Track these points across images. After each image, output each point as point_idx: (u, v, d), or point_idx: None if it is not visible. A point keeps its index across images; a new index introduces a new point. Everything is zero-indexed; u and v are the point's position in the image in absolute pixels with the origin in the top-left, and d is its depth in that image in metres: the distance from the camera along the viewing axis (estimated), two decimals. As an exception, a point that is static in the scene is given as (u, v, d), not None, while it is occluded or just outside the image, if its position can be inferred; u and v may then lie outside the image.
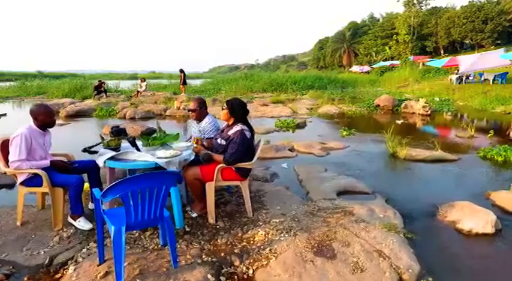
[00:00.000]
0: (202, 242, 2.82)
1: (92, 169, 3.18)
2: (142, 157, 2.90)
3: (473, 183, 4.55)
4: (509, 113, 11.24)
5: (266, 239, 2.82)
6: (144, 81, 18.72)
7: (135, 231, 2.94)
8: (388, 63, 36.53)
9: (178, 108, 12.10)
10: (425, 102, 11.56)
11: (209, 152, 3.13)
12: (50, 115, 2.98)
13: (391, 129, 6.33)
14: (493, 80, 18.10)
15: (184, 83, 18.21)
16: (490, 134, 7.33)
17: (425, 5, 47.00)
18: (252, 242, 2.82)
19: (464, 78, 20.03)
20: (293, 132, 8.58)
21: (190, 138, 3.68)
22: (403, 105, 12.23)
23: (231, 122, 3.19)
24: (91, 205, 3.32)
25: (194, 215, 3.27)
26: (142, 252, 2.64)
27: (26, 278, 2.40)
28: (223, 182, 3.20)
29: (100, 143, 3.06)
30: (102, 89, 16.77)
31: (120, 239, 2.17)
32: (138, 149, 3.04)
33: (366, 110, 12.49)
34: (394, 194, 4.05)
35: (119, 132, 3.02)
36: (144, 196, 2.16)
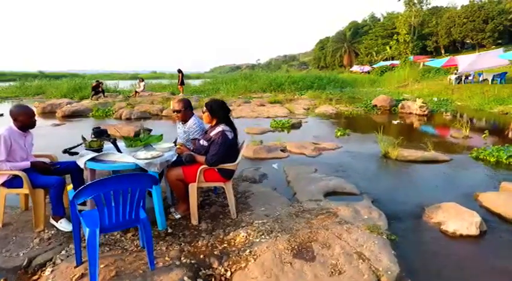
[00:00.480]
0: (183, 244, 2.81)
1: (74, 170, 3.17)
2: (123, 158, 2.89)
3: (463, 184, 4.52)
4: (506, 114, 11.19)
5: (247, 241, 2.81)
6: (143, 81, 18.73)
7: (116, 232, 2.93)
8: (388, 63, 36.44)
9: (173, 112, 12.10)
10: (422, 103, 11.51)
11: (191, 153, 3.12)
12: (30, 116, 2.97)
13: (384, 129, 6.30)
14: (492, 80, 18.03)
15: (182, 83, 18.20)
16: (484, 135, 7.29)
17: (426, 4, 46.90)
18: (233, 244, 2.81)
19: (463, 78, 19.96)
20: (288, 132, 8.56)
21: (176, 140, 3.65)
22: (400, 105, 12.19)
23: (213, 123, 3.18)
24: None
25: (178, 216, 3.25)
26: (121, 254, 2.63)
27: (2, 280, 2.39)
28: (206, 184, 3.18)
29: (81, 144, 3.05)
30: (100, 89, 16.78)
31: (94, 241, 2.16)
32: (119, 151, 3.02)
33: (363, 110, 12.46)
34: (381, 195, 4.02)
35: (100, 134, 3.00)
36: (117, 197, 2.14)
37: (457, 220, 3.16)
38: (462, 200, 3.68)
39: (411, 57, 34.09)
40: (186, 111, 3.51)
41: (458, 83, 19.77)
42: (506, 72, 18.37)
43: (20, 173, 2.83)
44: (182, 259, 2.58)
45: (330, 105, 13.62)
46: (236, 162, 3.13)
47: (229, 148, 3.06)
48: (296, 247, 2.68)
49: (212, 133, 3.08)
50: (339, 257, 2.54)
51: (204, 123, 3.63)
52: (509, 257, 2.75)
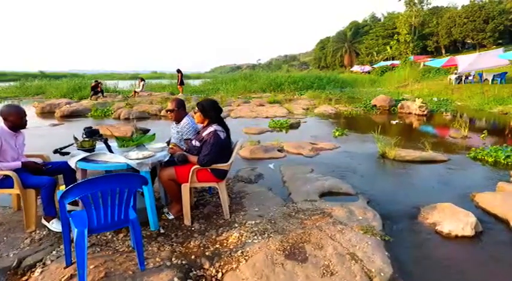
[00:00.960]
0: (175, 245, 2.78)
1: (67, 170, 3.14)
2: (114, 158, 2.86)
3: (460, 184, 4.49)
4: (506, 114, 11.14)
5: (239, 242, 2.78)
6: (143, 81, 18.72)
7: (108, 233, 2.91)
8: (388, 63, 36.39)
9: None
10: (421, 103, 11.48)
11: (184, 153, 3.09)
12: (20, 116, 2.94)
13: (383, 129, 6.27)
14: (492, 80, 17.97)
15: (182, 83, 18.18)
16: (483, 135, 7.25)
17: (427, 4, 46.83)
18: (225, 244, 2.78)
19: (463, 78, 19.90)
20: (286, 132, 8.53)
21: (169, 140, 3.63)
22: (399, 105, 12.15)
23: (205, 123, 3.15)
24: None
25: (171, 217, 3.23)
26: (112, 254, 2.60)
27: (-9, 281, 2.37)
28: (199, 184, 3.16)
29: (72, 144, 3.03)
30: (99, 89, 16.77)
31: (83, 242, 2.14)
32: (111, 150, 3.00)
33: (363, 110, 12.43)
34: (377, 195, 3.99)
35: (91, 134, 2.98)
36: (105, 198, 2.12)
37: (453, 220, 3.13)
38: (459, 201, 3.66)
39: (411, 57, 34.03)
40: (179, 111, 3.49)
41: (459, 83, 19.72)
42: (506, 72, 18.31)
43: (11, 173, 2.81)
44: (173, 259, 2.56)
45: (329, 105, 13.59)
46: (229, 162, 3.11)
47: (221, 148, 3.04)
48: (288, 247, 2.66)
49: (204, 133, 3.06)
50: (332, 258, 2.52)
51: (197, 124, 3.61)
52: (504, 258, 2.72)
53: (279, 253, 2.58)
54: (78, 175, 3.05)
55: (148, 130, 7.70)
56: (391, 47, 42.10)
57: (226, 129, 3.15)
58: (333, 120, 10.62)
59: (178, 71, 17.89)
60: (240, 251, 2.64)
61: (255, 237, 2.83)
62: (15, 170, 2.88)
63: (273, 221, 3.13)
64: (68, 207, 3.17)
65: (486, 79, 18.68)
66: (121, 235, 2.90)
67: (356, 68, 46.09)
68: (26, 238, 2.86)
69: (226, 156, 3.12)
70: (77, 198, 2.03)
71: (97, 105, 13.46)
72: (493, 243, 2.93)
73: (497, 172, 5.00)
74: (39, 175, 2.99)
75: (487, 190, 4.08)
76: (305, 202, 3.68)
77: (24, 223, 2.97)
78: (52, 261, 2.54)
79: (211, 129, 3.02)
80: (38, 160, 3.24)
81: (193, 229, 3.06)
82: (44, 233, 2.94)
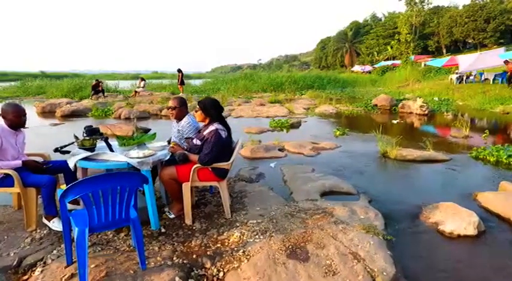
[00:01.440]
0: (176, 244, 2.77)
1: (67, 169, 3.12)
2: (115, 157, 2.85)
3: (462, 184, 4.47)
4: (507, 113, 11.11)
5: (241, 241, 2.77)
6: (143, 80, 18.72)
7: (109, 232, 2.90)
8: (389, 62, 36.34)
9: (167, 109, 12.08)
10: (423, 102, 11.45)
11: (185, 151, 3.08)
12: (18, 115, 2.92)
13: (384, 129, 6.25)
14: (494, 79, 17.93)
15: (182, 83, 18.17)
16: (485, 134, 7.23)
17: (428, 4, 46.77)
18: (226, 243, 2.77)
19: (464, 78, 19.87)
20: (287, 132, 8.52)
21: (170, 139, 3.62)
22: (400, 105, 12.13)
23: (206, 122, 3.14)
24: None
25: (172, 216, 3.22)
26: (113, 254, 2.59)
27: (-8, 280, 2.36)
28: (200, 183, 3.15)
29: (73, 142, 3.01)
30: (100, 88, 16.76)
31: (83, 241, 2.13)
32: (112, 149, 2.99)
33: (364, 110, 12.40)
34: (379, 194, 3.98)
35: (92, 132, 2.96)
36: (106, 196, 2.11)
37: (455, 220, 3.12)
38: (461, 200, 3.64)
39: (412, 57, 33.97)
40: (180, 109, 3.47)
41: (460, 82, 19.68)
42: (507, 72, 18.25)
43: (11, 172, 2.80)
44: (174, 259, 2.55)
45: (330, 105, 13.57)
46: (230, 161, 3.09)
47: (222, 147, 3.02)
48: (290, 247, 2.64)
49: (205, 132, 3.04)
50: (334, 257, 2.50)
51: (198, 123, 3.59)
52: (507, 257, 2.70)
53: (281, 252, 2.57)
54: (79, 174, 3.03)
55: (149, 130, 7.70)
56: (391, 47, 41.99)
57: (228, 128, 3.14)
58: (334, 120, 10.60)
59: (179, 70, 17.88)
60: (241, 250, 2.63)
61: (257, 236, 2.81)
62: (16, 169, 2.86)
63: (274, 221, 3.11)
64: (69, 206, 3.17)
65: (487, 79, 18.65)
66: (122, 234, 2.89)
67: (357, 67, 46.05)
68: (27, 237, 2.85)
69: (228, 155, 3.11)
70: (77, 196, 2.02)
71: (97, 105, 13.46)
72: (496, 242, 2.92)
73: (499, 171, 4.97)
74: (40, 173, 2.98)
75: (489, 189, 4.06)
76: (306, 201, 3.67)
77: (25, 222, 2.96)
78: (53, 260, 2.53)
79: (212, 128, 3.01)
80: (39, 159, 3.24)
81: (194, 228, 3.05)
82: (45, 232, 2.93)
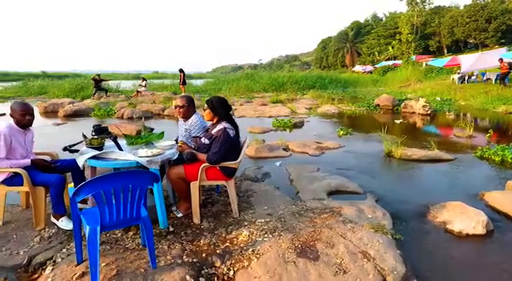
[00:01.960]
0: (185, 243, 2.77)
1: (75, 168, 3.13)
2: (124, 156, 2.85)
3: (468, 183, 4.47)
4: (510, 113, 11.10)
5: (250, 240, 2.77)
6: (145, 80, 18.72)
7: (117, 231, 2.91)
8: (390, 62, 36.34)
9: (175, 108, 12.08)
10: (425, 102, 11.45)
11: (193, 151, 3.08)
12: (23, 114, 2.90)
13: (387, 129, 6.25)
14: (496, 79, 17.91)
15: (184, 83, 18.17)
16: (488, 134, 7.22)
17: (429, 4, 46.75)
18: (235, 242, 2.77)
19: (466, 77, 19.86)
20: (290, 132, 8.52)
21: (177, 138, 3.61)
22: (402, 105, 12.13)
23: (215, 121, 3.14)
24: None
25: (179, 215, 3.22)
26: (123, 252, 2.59)
27: (2, 279, 2.36)
28: (208, 182, 3.14)
29: (81, 141, 3.02)
30: (102, 84, 16.83)
31: (95, 239, 2.13)
32: (120, 148, 2.99)
33: (366, 109, 12.40)
34: (385, 194, 3.97)
35: (100, 131, 2.97)
36: (118, 195, 2.11)
37: (463, 219, 3.11)
38: (467, 200, 3.63)
39: (413, 57, 33.96)
40: (188, 108, 3.46)
41: (461, 82, 19.67)
42: (509, 72, 18.24)
43: (20, 171, 2.80)
44: (184, 257, 2.55)
45: (332, 105, 13.56)
46: (238, 160, 3.09)
47: (231, 146, 3.02)
48: (299, 246, 2.64)
49: (214, 131, 3.04)
50: (344, 256, 2.50)
51: (205, 121, 3.59)
52: (517, 256, 2.69)
53: (291, 251, 2.57)
54: (88, 173, 3.03)
55: (152, 129, 7.66)
56: (392, 47, 41.98)
57: (235, 127, 3.13)
58: (337, 119, 10.60)
59: (181, 70, 17.87)
60: (250, 249, 2.62)
61: (266, 235, 2.81)
62: (25, 168, 2.87)
63: (282, 220, 3.11)
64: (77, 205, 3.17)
65: (489, 78, 18.63)
66: (130, 233, 2.89)
67: (358, 67, 46.03)
68: (36, 236, 2.85)
69: (236, 154, 3.11)
70: (90, 195, 2.02)
71: (100, 104, 13.46)
72: (506, 241, 2.91)
73: (505, 171, 4.97)
74: (48, 172, 2.98)
75: (496, 188, 4.06)
76: (313, 200, 3.66)
77: (34, 221, 2.96)
78: (62, 259, 2.53)
79: (220, 126, 3.00)
80: (47, 158, 3.24)
81: (202, 227, 3.05)
82: (53, 231, 2.93)
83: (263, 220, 3.09)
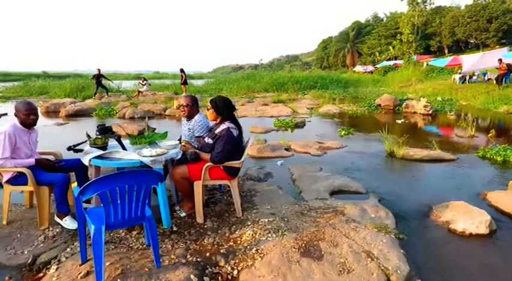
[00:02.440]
0: (188, 242, 2.78)
1: (79, 167, 3.15)
2: (128, 155, 2.86)
3: (470, 183, 4.47)
4: (512, 113, 11.10)
5: (253, 239, 2.77)
6: (146, 80, 18.73)
7: (121, 230, 2.91)
8: (391, 62, 36.32)
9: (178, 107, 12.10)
10: (426, 102, 11.45)
11: (196, 150, 3.09)
12: (28, 113, 2.91)
13: (388, 129, 6.25)
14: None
15: (185, 82, 18.17)
16: (490, 134, 7.22)
17: (430, 4, 46.67)
18: (239, 242, 2.77)
19: (467, 77, 19.85)
20: (292, 131, 8.52)
21: (180, 138, 3.62)
22: (404, 105, 12.13)
23: (218, 120, 3.15)
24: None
25: (183, 214, 3.22)
26: (127, 251, 2.60)
27: (7, 278, 2.37)
28: (211, 181, 3.15)
29: (85, 141, 3.03)
30: (102, 80, 16.87)
31: (100, 239, 2.13)
32: (124, 148, 3.00)
33: (367, 109, 12.40)
34: (388, 194, 3.98)
35: (104, 131, 2.97)
36: (123, 194, 2.11)
37: (466, 218, 3.11)
38: (469, 199, 3.63)
39: (414, 57, 33.95)
40: (192, 107, 3.47)
41: (463, 82, 19.66)
42: (511, 72, 18.23)
43: (25, 170, 2.82)
44: (188, 257, 2.55)
45: (333, 105, 13.56)
46: (241, 160, 3.10)
47: (234, 146, 3.03)
48: (303, 245, 2.65)
49: (217, 130, 3.05)
50: (347, 255, 2.51)
51: (209, 121, 3.60)
52: (520, 256, 2.70)
53: (294, 250, 2.57)
54: (91, 172, 3.04)
55: (154, 129, 7.70)
56: (393, 47, 42.02)
57: (239, 127, 3.14)
58: (338, 119, 10.60)
59: (182, 70, 17.88)
60: (254, 248, 2.63)
61: (269, 235, 2.82)
62: (29, 168, 2.88)
63: (286, 219, 3.12)
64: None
65: (490, 79, 18.62)
66: (134, 233, 2.89)
67: (358, 68, 46.02)
68: (40, 235, 2.86)
69: (239, 153, 3.12)
70: (95, 194, 2.03)
71: (101, 104, 13.48)
72: (508, 241, 2.91)
73: (507, 170, 4.97)
74: (52, 172, 2.99)
75: (498, 188, 4.06)
76: (316, 200, 3.67)
77: (38, 220, 2.97)
78: (67, 258, 2.54)
79: (224, 126, 3.01)
80: (51, 158, 3.25)
81: (206, 226, 3.05)
82: (57, 230, 2.94)
83: (266, 220, 3.10)
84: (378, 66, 37.93)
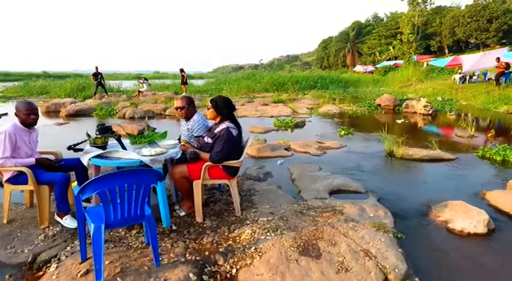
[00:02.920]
0: (188, 241, 2.79)
1: (79, 167, 3.16)
2: (127, 155, 2.87)
3: (469, 182, 4.48)
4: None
5: (252, 238, 2.78)
6: (146, 80, 18.75)
7: (121, 229, 2.93)
8: (391, 62, 36.32)
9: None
10: (426, 102, 11.46)
11: (196, 150, 3.10)
12: (28, 113, 2.92)
13: (388, 129, 6.26)
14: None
15: (185, 82, 18.19)
16: (490, 134, 7.23)
17: (430, 4, 46.66)
18: (238, 241, 2.79)
19: (468, 77, 19.84)
20: (291, 131, 8.53)
21: (180, 137, 3.64)
22: (404, 105, 12.14)
23: (218, 120, 3.16)
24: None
25: (182, 214, 3.24)
26: (126, 250, 2.62)
27: (7, 276, 2.38)
28: (211, 181, 3.17)
29: (85, 140, 3.04)
30: (100, 77, 16.88)
31: (100, 237, 2.15)
32: (124, 147, 3.01)
33: (367, 109, 12.41)
34: (387, 193, 3.99)
35: (104, 130, 2.99)
36: (122, 193, 2.13)
37: (465, 218, 3.13)
38: (469, 199, 3.64)
39: (414, 57, 33.93)
40: (189, 108, 3.49)
41: (463, 82, 19.65)
42: (511, 72, 18.23)
43: (25, 170, 2.83)
44: (187, 255, 2.57)
45: (333, 104, 13.57)
46: (241, 159, 3.11)
47: (233, 145, 3.04)
48: (302, 244, 2.66)
49: (217, 130, 3.07)
50: (345, 254, 2.52)
51: (207, 121, 3.61)
52: (518, 255, 2.71)
53: (293, 249, 2.59)
54: (91, 172, 3.06)
55: (154, 129, 7.70)
56: (394, 47, 41.99)
57: (238, 127, 3.16)
58: (338, 119, 10.61)
59: (182, 70, 17.90)
60: (253, 247, 2.64)
61: (268, 234, 2.83)
62: (29, 167, 2.89)
63: (284, 218, 3.13)
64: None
65: (490, 78, 18.61)
66: (134, 232, 2.91)
67: (359, 68, 46.01)
68: (40, 234, 2.87)
69: (238, 153, 3.13)
70: (95, 193, 2.04)
71: (102, 104, 13.50)
72: (507, 240, 2.93)
73: (506, 170, 4.98)
74: (53, 171, 3.01)
75: (497, 188, 4.07)
76: (315, 199, 3.68)
77: (38, 219, 2.99)
78: (67, 257, 2.55)
79: (223, 126, 3.03)
80: (51, 157, 3.26)
81: (205, 225, 3.07)
82: (57, 229, 2.96)
83: (265, 219, 3.11)
84: (378, 66, 37.93)
